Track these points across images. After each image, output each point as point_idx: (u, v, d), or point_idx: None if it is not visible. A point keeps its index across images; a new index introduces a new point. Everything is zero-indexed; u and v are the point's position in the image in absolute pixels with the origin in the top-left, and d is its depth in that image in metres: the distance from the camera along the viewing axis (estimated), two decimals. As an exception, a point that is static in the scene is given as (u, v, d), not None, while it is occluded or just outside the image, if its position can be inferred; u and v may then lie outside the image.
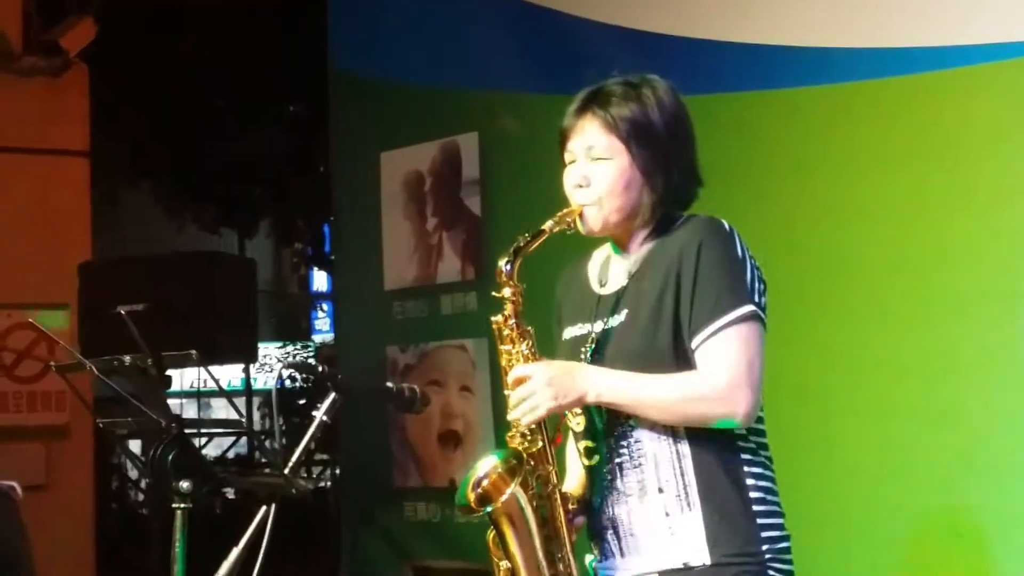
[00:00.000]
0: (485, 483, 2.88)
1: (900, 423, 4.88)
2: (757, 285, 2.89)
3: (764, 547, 2.86)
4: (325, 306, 20.78)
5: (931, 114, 4.89)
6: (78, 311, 6.62)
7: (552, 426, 2.92)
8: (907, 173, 4.95)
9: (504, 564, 2.91)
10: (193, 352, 4.10)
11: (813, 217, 5.19)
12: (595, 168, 2.94)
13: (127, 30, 10.33)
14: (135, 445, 11.98)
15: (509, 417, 2.88)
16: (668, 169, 2.96)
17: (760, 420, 2.95)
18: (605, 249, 3.11)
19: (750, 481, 2.89)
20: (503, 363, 2.94)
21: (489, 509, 2.85)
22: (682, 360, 2.86)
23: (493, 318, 2.95)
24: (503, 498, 2.84)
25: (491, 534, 2.92)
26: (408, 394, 3.28)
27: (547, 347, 3.03)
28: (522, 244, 2.92)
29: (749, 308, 2.85)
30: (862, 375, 5.00)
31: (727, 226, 2.92)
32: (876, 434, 4.94)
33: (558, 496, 2.91)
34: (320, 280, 21.32)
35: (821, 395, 5.08)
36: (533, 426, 2.88)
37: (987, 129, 4.68)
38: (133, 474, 12.89)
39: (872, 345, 4.96)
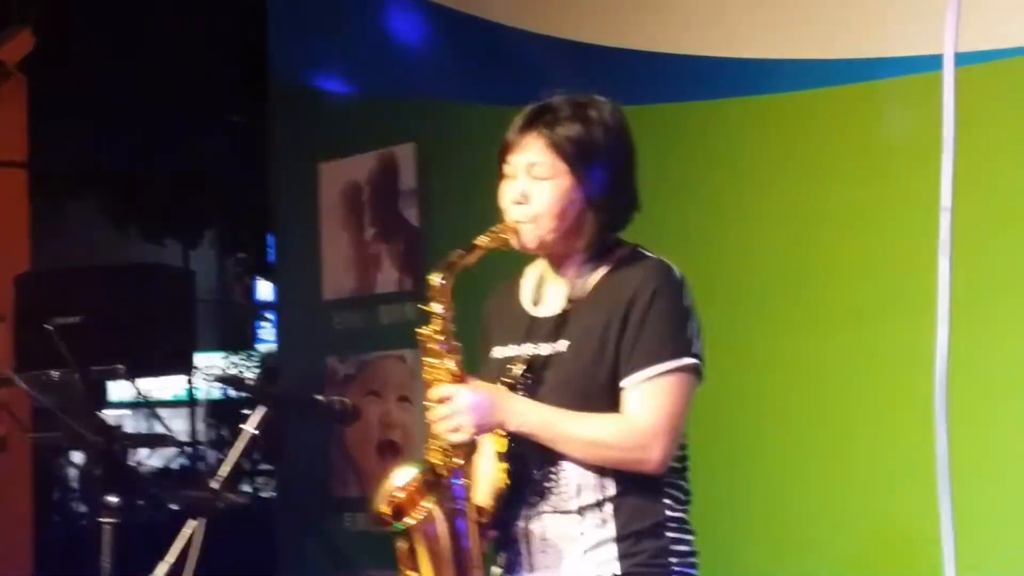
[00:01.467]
0: (401, 495, 2.89)
1: (833, 428, 4.92)
2: (697, 339, 2.91)
3: (672, 560, 2.90)
4: (270, 316, 20.70)
5: (865, 124, 4.93)
6: (14, 323, 6.58)
7: (471, 443, 2.92)
8: (841, 182, 4.98)
9: (412, 575, 2.91)
10: (120, 366, 4.09)
11: (748, 225, 5.22)
12: (535, 186, 2.92)
13: (66, 41, 10.26)
14: (78, 457, 11.92)
15: (434, 430, 2.88)
16: (610, 192, 2.95)
17: (684, 447, 2.97)
18: (538, 266, 3.10)
19: (667, 500, 2.92)
20: (426, 376, 2.93)
21: (402, 527, 2.86)
22: (615, 401, 2.88)
23: (419, 330, 2.94)
24: (420, 515, 2.85)
25: (401, 544, 2.92)
26: (338, 407, 3.30)
27: (472, 362, 3.03)
28: (455, 259, 2.91)
29: (690, 360, 2.87)
30: (795, 380, 5.03)
31: (678, 274, 2.93)
32: (809, 439, 4.98)
33: (472, 510, 2.92)
34: (264, 290, 21.23)
35: (756, 401, 5.11)
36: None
37: (917, 139, 4.72)
38: (75, 486, 12.80)
39: (805, 350, 4.99)
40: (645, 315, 2.85)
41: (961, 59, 4.13)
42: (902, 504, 4.65)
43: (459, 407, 2.83)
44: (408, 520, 2.86)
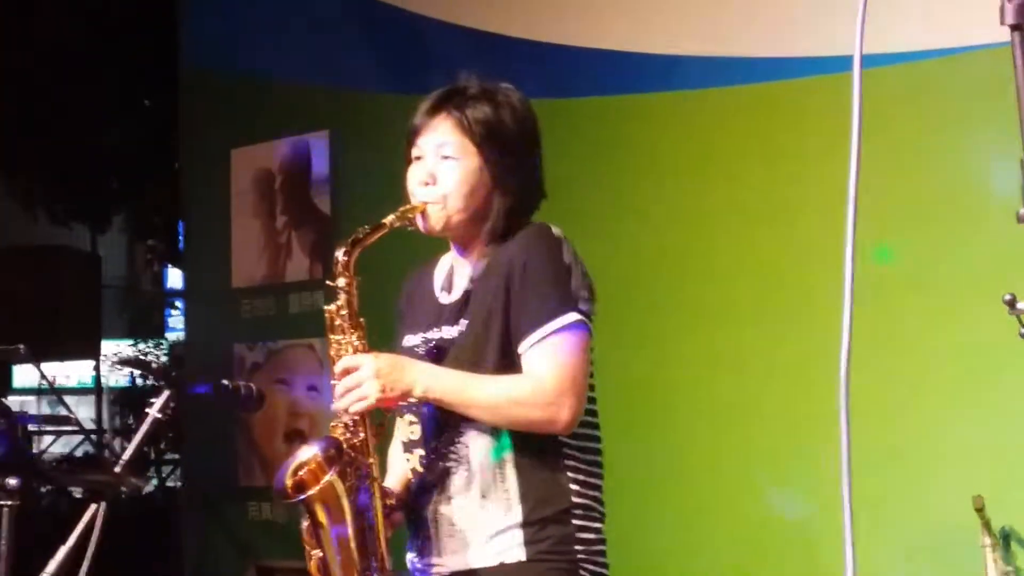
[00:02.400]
0: (303, 472, 2.87)
1: (744, 421, 4.98)
2: (583, 292, 2.90)
3: (578, 547, 2.90)
4: (179, 303, 20.54)
5: (774, 123, 4.98)
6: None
7: (376, 420, 2.92)
8: (750, 179, 5.03)
9: (317, 553, 2.89)
10: (21, 347, 4.04)
11: (663, 220, 5.26)
12: (443, 166, 2.94)
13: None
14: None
15: (334, 407, 2.88)
16: (516, 176, 2.97)
17: (594, 426, 2.98)
18: (451, 255, 3.10)
19: (573, 487, 2.91)
20: (332, 353, 2.93)
21: (303, 496, 2.84)
22: (509, 372, 2.88)
23: (326, 307, 2.95)
24: (319, 486, 2.83)
25: (305, 524, 2.90)
26: (244, 392, 3.26)
27: (380, 343, 3.02)
28: (361, 236, 2.91)
29: (574, 316, 2.86)
30: (708, 374, 5.08)
31: (555, 233, 2.93)
32: (718, 432, 5.03)
33: (377, 489, 2.91)
34: (174, 277, 21.07)
35: (668, 393, 5.14)
36: (357, 418, 2.88)
37: (825, 138, 4.76)
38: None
39: (717, 344, 5.05)
40: (523, 280, 2.87)
41: (869, 61, 4.17)
42: (805, 499, 4.70)
43: (364, 375, 2.83)
44: (310, 492, 2.83)
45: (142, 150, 13.45)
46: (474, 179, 2.94)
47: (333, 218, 6.41)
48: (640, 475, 5.01)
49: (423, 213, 2.94)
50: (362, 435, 2.89)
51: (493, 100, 2.97)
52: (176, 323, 20.86)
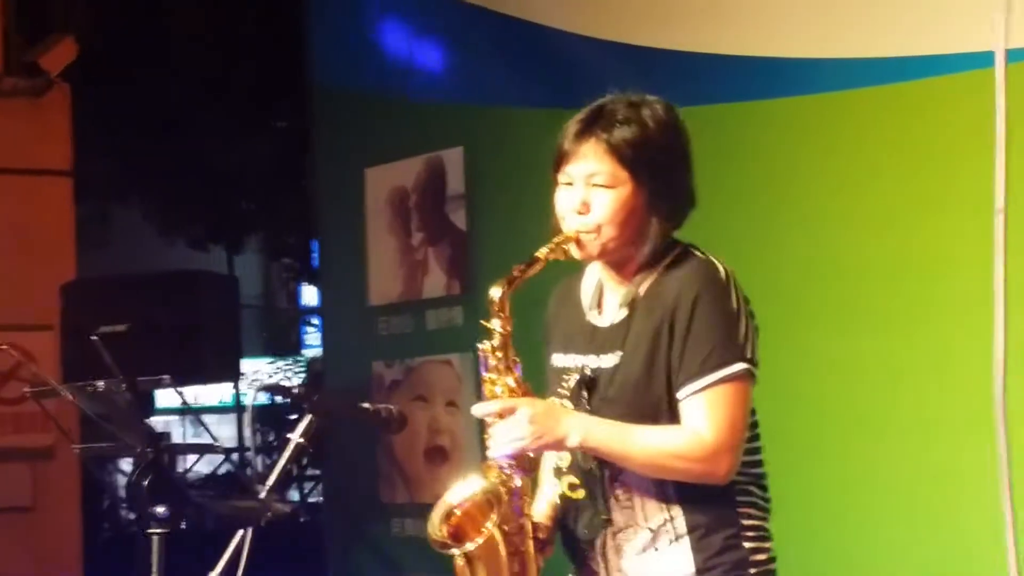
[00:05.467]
0: (458, 513, 2.83)
1: (888, 430, 4.87)
2: (750, 337, 2.84)
3: (752, 571, 2.86)
4: (315, 320, 20.73)
5: (916, 123, 4.88)
6: (61, 332, 6.60)
7: (530, 459, 2.87)
8: (892, 181, 4.93)
9: None
10: (166, 377, 4.08)
11: (798, 226, 5.17)
12: (596, 195, 2.85)
13: (109, 49, 10.33)
14: (127, 465, 11.96)
15: (490, 453, 2.83)
16: (671, 193, 2.89)
17: (757, 451, 2.94)
18: (596, 268, 3.00)
19: (742, 509, 2.87)
20: (486, 392, 2.87)
21: (458, 550, 2.82)
22: (676, 411, 2.82)
23: (480, 344, 2.88)
24: (480, 540, 2.80)
25: (459, 560, 2.86)
26: (384, 414, 3.25)
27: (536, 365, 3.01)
28: (516, 274, 2.84)
29: (741, 366, 2.80)
30: (849, 382, 4.98)
31: (723, 274, 2.86)
32: (863, 440, 4.93)
33: (529, 527, 2.86)
34: (310, 295, 21.27)
35: (809, 403, 5.06)
36: (512, 461, 2.82)
37: (969, 137, 4.68)
38: (123, 494, 12.86)
39: (856, 352, 4.95)
40: (690, 323, 2.79)
41: (1013, 56, 4.08)
42: (963, 504, 4.59)
43: (520, 420, 2.78)
44: (468, 545, 2.80)
45: (274, 171, 13.62)
46: (628, 206, 2.85)
47: (469, 233, 6.40)
48: (785, 482, 4.93)
49: (577, 241, 2.87)
50: (518, 482, 2.84)
51: (639, 118, 2.86)
52: (312, 340, 21.07)
